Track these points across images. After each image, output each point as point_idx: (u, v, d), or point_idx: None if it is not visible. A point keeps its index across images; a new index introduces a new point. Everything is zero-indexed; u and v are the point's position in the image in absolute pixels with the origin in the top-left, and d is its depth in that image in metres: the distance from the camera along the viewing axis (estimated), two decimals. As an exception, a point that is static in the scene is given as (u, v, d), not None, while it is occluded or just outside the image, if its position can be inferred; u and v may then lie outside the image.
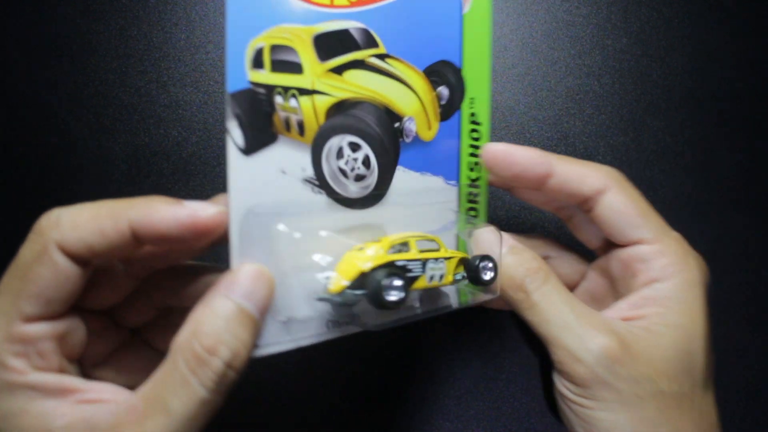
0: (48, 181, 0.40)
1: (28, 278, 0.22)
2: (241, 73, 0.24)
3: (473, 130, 0.31)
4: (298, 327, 0.25)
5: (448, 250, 0.28)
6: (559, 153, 0.41)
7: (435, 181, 0.30)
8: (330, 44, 0.26)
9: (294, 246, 0.25)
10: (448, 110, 0.30)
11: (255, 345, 0.23)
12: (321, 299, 0.25)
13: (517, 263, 0.28)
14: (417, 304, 0.29)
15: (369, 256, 0.24)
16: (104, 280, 0.25)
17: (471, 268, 0.28)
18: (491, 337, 0.40)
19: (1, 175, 0.40)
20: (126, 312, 0.27)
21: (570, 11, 0.41)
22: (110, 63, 0.40)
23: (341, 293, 0.24)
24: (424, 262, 0.26)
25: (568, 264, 0.34)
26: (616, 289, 0.31)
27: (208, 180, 0.40)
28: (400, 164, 0.29)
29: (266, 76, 0.24)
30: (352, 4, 0.26)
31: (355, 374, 0.40)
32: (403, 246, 0.26)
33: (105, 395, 0.22)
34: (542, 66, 0.41)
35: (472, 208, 0.31)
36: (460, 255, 0.28)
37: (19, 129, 0.40)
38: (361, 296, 0.24)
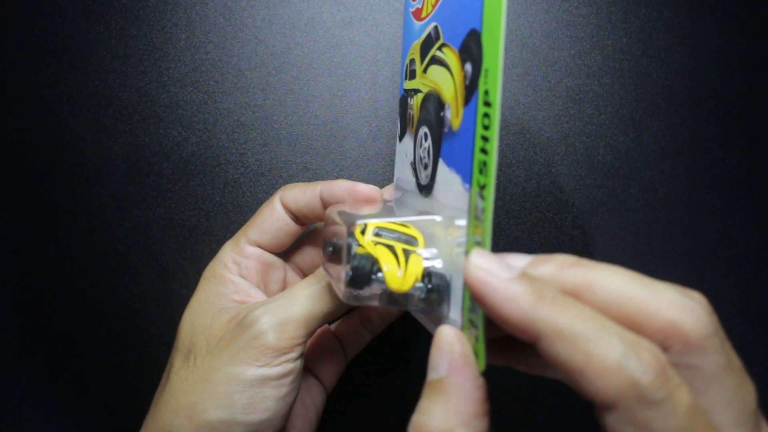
0: (48, 181, 0.40)
1: (257, 215, 0.34)
2: (402, 84, 0.33)
3: (485, 115, 0.22)
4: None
5: (367, 239, 0.25)
6: (559, 153, 0.41)
7: (456, 182, 0.24)
8: (425, 48, 0.30)
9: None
10: (471, 90, 0.23)
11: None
12: None
13: (421, 409, 0.21)
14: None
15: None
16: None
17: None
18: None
19: (2, 175, 0.40)
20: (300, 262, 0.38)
21: (570, 11, 0.41)
22: (110, 63, 0.40)
23: None
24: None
25: None
26: None
27: (208, 180, 0.40)
28: (441, 157, 0.26)
29: (407, 83, 0.32)
30: (433, 7, 0.29)
31: (355, 373, 0.40)
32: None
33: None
34: (542, 66, 0.41)
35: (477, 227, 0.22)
36: (372, 251, 0.25)
37: (19, 129, 0.40)
38: None
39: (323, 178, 0.40)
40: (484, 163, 0.21)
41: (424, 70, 0.29)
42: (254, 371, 0.28)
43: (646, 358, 0.18)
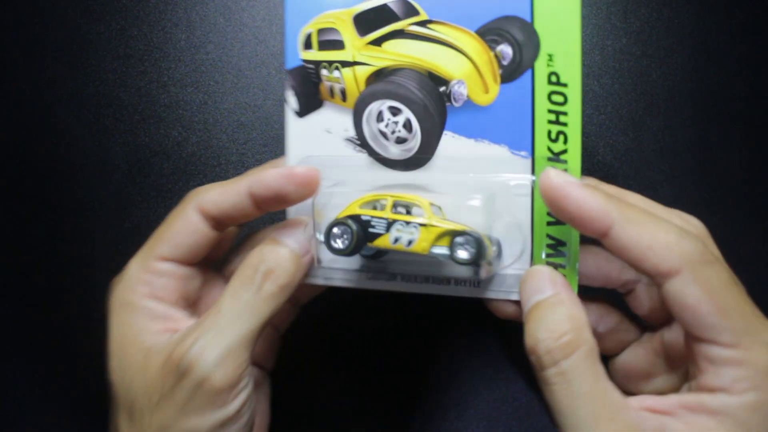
0: (48, 181, 0.40)
1: (167, 227, 0.29)
2: (295, 54, 0.31)
3: (555, 93, 0.27)
4: (333, 270, 0.30)
5: (435, 217, 0.26)
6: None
7: (497, 150, 0.28)
8: (369, 20, 0.29)
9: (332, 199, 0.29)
10: (515, 70, 0.27)
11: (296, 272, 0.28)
12: (317, 240, 0.29)
13: (544, 319, 0.24)
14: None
15: (344, 208, 0.28)
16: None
17: (450, 242, 0.26)
18: (492, 338, 0.40)
19: (2, 175, 0.40)
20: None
21: (570, 11, 0.41)
22: (110, 63, 0.40)
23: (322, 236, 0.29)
24: (390, 222, 0.27)
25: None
26: (678, 363, 0.27)
27: (208, 180, 0.40)
28: (448, 129, 0.28)
29: (314, 54, 0.30)
30: None
31: (356, 373, 0.40)
32: (379, 203, 0.27)
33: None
34: (542, 66, 0.41)
35: None
36: (453, 227, 0.26)
37: (19, 129, 0.40)
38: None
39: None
40: (561, 133, 0.27)
41: (377, 44, 0.29)
42: (209, 419, 0.25)
43: (698, 233, 0.26)
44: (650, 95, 0.41)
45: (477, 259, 0.25)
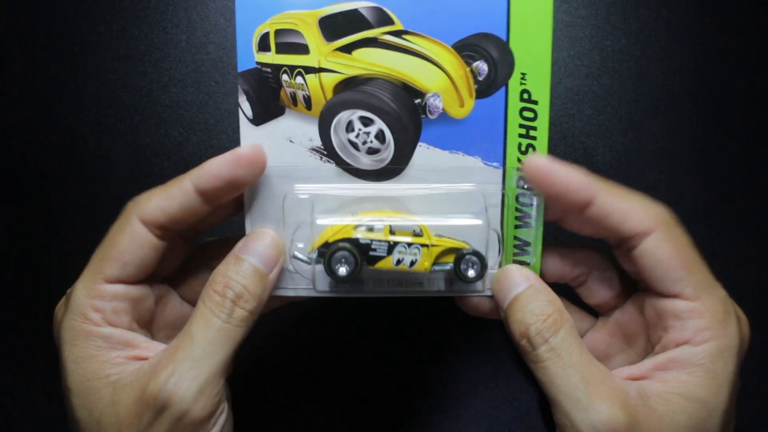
0: (48, 181, 0.40)
1: (111, 245, 0.27)
2: (249, 56, 0.28)
3: (525, 109, 0.28)
4: (303, 280, 0.29)
5: (434, 238, 0.27)
6: (558, 154, 0.41)
7: (471, 161, 0.29)
8: (337, 25, 0.28)
9: (304, 209, 0.28)
10: (490, 86, 0.28)
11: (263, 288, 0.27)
12: (293, 257, 0.29)
13: (527, 307, 0.27)
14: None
15: (336, 229, 0.27)
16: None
17: (455, 261, 0.28)
18: (491, 337, 0.40)
19: (2, 175, 0.41)
20: (186, 287, 0.32)
21: (569, 12, 0.41)
22: (111, 63, 0.40)
23: (310, 256, 0.28)
24: (391, 245, 0.27)
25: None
26: (634, 339, 0.30)
27: (208, 180, 0.40)
28: (423, 141, 0.29)
29: (272, 57, 0.28)
30: None
31: (356, 373, 0.40)
32: (377, 225, 0.27)
33: (154, 352, 0.27)
34: (542, 66, 0.41)
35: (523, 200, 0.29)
36: (450, 245, 0.27)
37: (19, 129, 0.40)
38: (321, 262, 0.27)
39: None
40: (531, 146, 0.28)
41: (346, 51, 0.28)
42: None
43: (662, 205, 0.28)
44: (649, 96, 0.41)
45: (482, 275, 0.28)
